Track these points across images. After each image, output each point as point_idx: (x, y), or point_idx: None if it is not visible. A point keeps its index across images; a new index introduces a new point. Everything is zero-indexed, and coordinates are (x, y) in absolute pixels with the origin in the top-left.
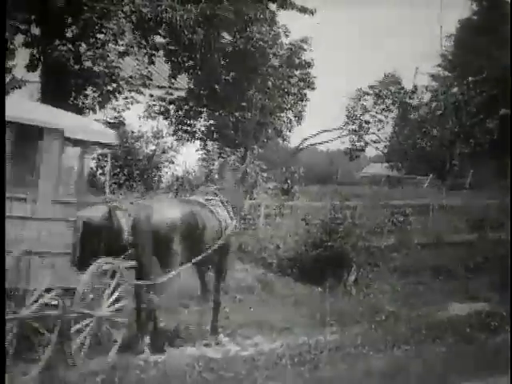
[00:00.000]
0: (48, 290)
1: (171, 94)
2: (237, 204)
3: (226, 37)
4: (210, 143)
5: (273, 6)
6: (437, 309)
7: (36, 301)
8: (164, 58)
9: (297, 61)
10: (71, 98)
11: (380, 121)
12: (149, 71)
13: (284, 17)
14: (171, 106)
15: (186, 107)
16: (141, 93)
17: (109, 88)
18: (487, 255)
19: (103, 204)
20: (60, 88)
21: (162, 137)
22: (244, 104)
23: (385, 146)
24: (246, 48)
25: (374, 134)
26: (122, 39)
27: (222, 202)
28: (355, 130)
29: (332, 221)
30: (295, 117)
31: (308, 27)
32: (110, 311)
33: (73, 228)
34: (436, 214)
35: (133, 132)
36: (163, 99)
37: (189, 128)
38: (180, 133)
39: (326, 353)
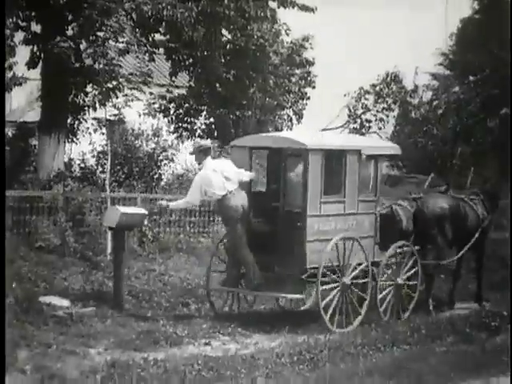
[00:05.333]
0: (360, 264)
1: (171, 92)
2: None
3: (227, 35)
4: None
5: (273, 4)
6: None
7: (354, 273)
8: (164, 56)
9: (298, 59)
10: (71, 96)
11: (381, 120)
12: (149, 69)
13: (285, 15)
14: (171, 104)
15: (186, 105)
16: (141, 90)
17: (109, 85)
18: (488, 254)
19: (388, 201)
20: (60, 85)
21: (162, 135)
22: (244, 102)
23: None
24: (247, 46)
25: (375, 132)
26: (122, 37)
27: (482, 200)
28: (356, 129)
29: None
30: (296, 115)
31: (309, 25)
32: (404, 281)
33: (373, 219)
34: None
35: (133, 130)
36: (163, 97)
37: (189, 126)
38: (180, 131)
39: (326, 352)
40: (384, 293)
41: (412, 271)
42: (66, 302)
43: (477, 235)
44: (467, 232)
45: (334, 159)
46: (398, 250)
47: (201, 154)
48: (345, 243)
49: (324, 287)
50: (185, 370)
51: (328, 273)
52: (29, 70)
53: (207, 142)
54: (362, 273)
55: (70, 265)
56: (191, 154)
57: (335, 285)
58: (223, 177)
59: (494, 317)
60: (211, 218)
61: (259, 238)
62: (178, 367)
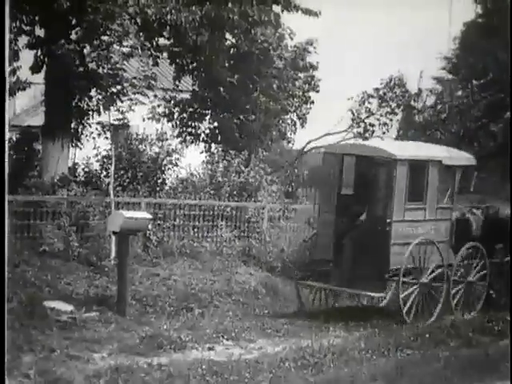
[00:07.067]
0: (438, 267)
1: (175, 97)
2: None
3: (231, 39)
4: (214, 146)
5: (277, 8)
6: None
7: (431, 273)
8: (168, 60)
9: (301, 63)
10: (75, 100)
11: (385, 124)
12: (153, 73)
13: (289, 19)
14: (175, 109)
15: (190, 109)
16: (145, 95)
17: (113, 90)
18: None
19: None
20: (64, 90)
21: (167, 139)
22: (248, 106)
23: None
24: (251, 50)
25: (378, 136)
26: (126, 41)
27: None
28: (360, 133)
29: None
30: (300, 119)
31: (313, 29)
32: (476, 279)
33: (449, 224)
34: None
35: (137, 134)
36: (168, 101)
37: (193, 130)
38: (184, 135)
39: (330, 356)
40: (455, 290)
41: (482, 272)
42: (69, 307)
43: None
44: None
45: (417, 168)
46: (470, 251)
47: None
48: (423, 247)
49: (404, 286)
50: (189, 375)
51: (408, 273)
52: (33, 74)
53: None
54: (438, 274)
55: (74, 269)
56: None
57: (414, 285)
58: None
59: (498, 321)
60: (215, 223)
61: (346, 238)
62: (182, 372)
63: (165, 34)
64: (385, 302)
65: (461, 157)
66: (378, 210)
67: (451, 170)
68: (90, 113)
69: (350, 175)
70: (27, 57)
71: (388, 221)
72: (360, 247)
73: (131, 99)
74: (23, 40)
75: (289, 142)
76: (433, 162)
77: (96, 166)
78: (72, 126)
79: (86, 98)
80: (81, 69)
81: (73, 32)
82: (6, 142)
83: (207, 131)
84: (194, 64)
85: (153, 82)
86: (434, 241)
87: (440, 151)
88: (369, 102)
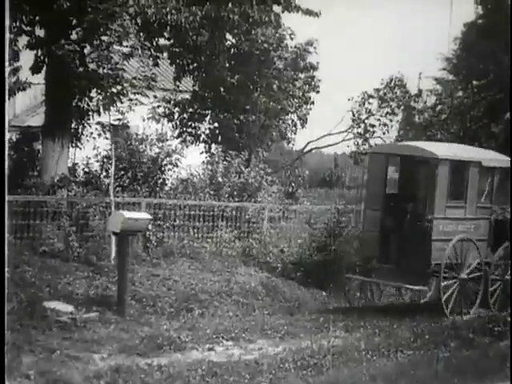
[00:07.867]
0: (477, 264)
1: (175, 97)
2: None
3: (231, 39)
4: (214, 146)
5: (278, 9)
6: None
7: (470, 270)
8: (168, 61)
9: (302, 63)
10: (75, 100)
11: (385, 124)
12: (153, 73)
13: (289, 19)
14: (176, 109)
15: (190, 110)
16: (145, 95)
17: (113, 90)
18: None
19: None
20: (64, 90)
21: (167, 139)
22: (248, 107)
23: None
24: (251, 50)
25: (379, 137)
26: (126, 41)
27: None
28: (360, 134)
29: (336, 224)
30: (300, 120)
31: (313, 30)
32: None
33: (488, 224)
34: None
35: (137, 134)
36: (168, 102)
37: (193, 131)
38: (184, 136)
39: (330, 357)
40: (493, 287)
41: None
42: (69, 307)
43: None
44: None
45: (458, 168)
46: (508, 251)
47: None
48: (463, 244)
49: (445, 281)
50: (188, 376)
51: (448, 269)
52: (33, 74)
53: None
54: (476, 270)
55: (74, 270)
56: None
57: (454, 280)
58: None
59: (498, 322)
60: (215, 223)
61: (390, 235)
62: (182, 372)
63: (165, 34)
64: (428, 296)
65: (499, 159)
66: (421, 207)
67: (490, 171)
68: (90, 113)
69: (394, 174)
70: (27, 57)
71: (430, 218)
72: (404, 243)
73: (131, 99)
74: (23, 40)
75: (289, 142)
76: (473, 162)
77: (96, 167)
78: (72, 126)
79: (86, 99)
80: (81, 69)
81: (73, 32)
82: (6, 142)
83: (207, 132)
84: (195, 64)
85: (153, 83)
86: (473, 239)
87: (479, 153)
88: (369, 103)
